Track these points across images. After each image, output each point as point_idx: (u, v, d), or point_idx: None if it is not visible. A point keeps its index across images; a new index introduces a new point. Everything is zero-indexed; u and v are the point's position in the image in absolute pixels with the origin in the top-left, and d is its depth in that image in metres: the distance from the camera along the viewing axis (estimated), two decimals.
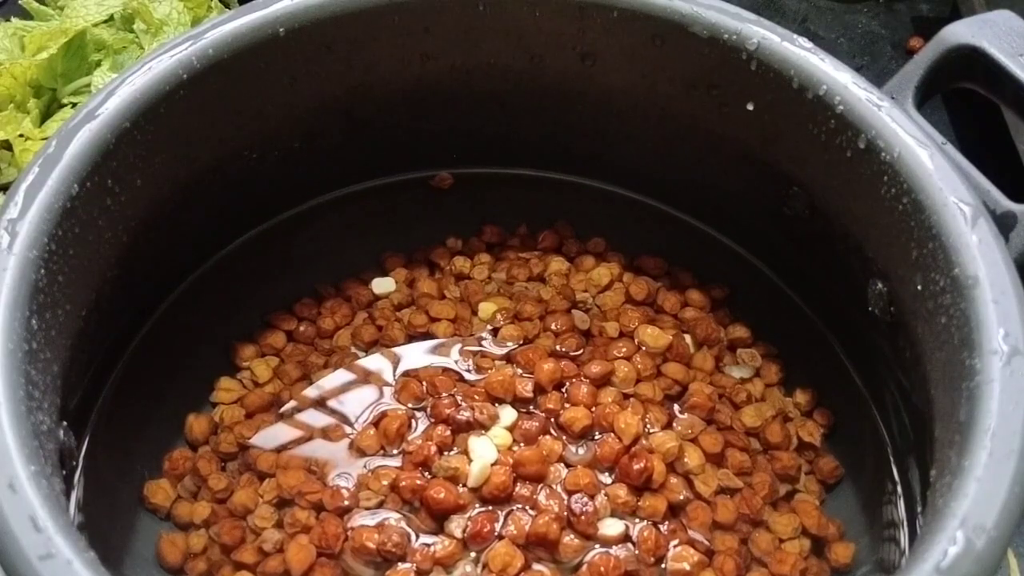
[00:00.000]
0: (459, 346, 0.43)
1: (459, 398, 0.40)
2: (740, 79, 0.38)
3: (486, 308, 0.44)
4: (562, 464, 0.39)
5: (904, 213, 0.33)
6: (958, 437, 0.28)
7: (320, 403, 0.42)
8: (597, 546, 0.37)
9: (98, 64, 0.53)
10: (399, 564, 0.36)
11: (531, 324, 0.43)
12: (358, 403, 0.41)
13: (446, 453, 0.39)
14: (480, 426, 0.40)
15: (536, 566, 0.37)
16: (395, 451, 0.40)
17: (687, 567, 0.36)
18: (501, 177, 0.48)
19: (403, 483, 0.38)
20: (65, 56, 0.52)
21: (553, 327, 0.43)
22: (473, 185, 0.48)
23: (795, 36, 0.37)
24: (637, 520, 0.38)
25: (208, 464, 0.39)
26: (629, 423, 0.39)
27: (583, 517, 0.37)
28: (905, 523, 0.37)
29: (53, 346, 0.31)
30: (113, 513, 0.37)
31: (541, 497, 0.38)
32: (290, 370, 0.42)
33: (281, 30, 0.37)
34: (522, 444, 0.40)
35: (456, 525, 0.37)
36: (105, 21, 0.55)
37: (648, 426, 0.40)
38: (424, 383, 0.41)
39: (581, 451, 0.40)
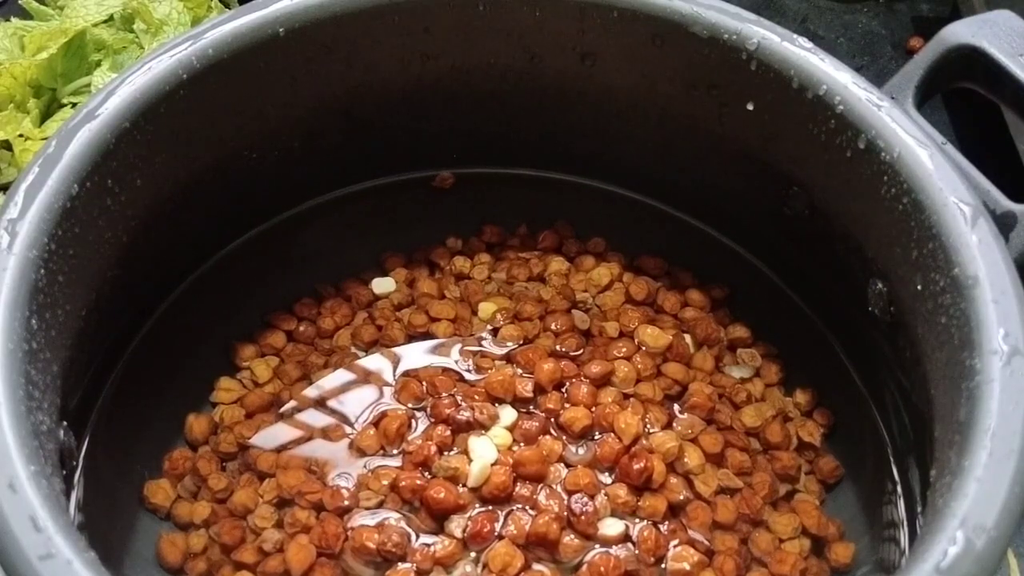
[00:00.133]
0: (459, 346, 0.43)
1: (459, 398, 0.40)
2: (740, 79, 0.38)
3: (486, 308, 0.44)
4: (562, 464, 0.39)
5: (904, 213, 0.33)
6: (958, 437, 0.28)
7: (320, 403, 0.42)
8: (597, 546, 0.37)
9: (98, 64, 0.53)
10: (399, 564, 0.36)
11: (531, 324, 0.43)
12: (358, 403, 0.41)
13: (446, 453, 0.39)
14: (480, 426, 0.40)
15: (536, 566, 0.37)
16: (395, 451, 0.40)
17: (687, 567, 0.36)
18: (501, 177, 0.48)
19: (403, 483, 0.38)
20: (65, 56, 0.52)
21: (553, 327, 0.43)
22: (473, 185, 0.48)
23: (795, 36, 0.37)
24: (637, 520, 0.38)
25: (208, 464, 0.39)
26: (629, 423, 0.39)
27: (583, 517, 0.37)
28: (905, 523, 0.37)
29: (53, 346, 0.31)
30: (113, 513, 0.37)
31: (541, 497, 0.38)
32: (290, 370, 0.42)
33: (281, 30, 0.37)
34: (522, 444, 0.40)
35: (456, 525, 0.37)
36: (105, 21, 0.54)
37: (648, 426, 0.40)
38: (424, 383, 0.41)
39: (581, 451, 0.40)
